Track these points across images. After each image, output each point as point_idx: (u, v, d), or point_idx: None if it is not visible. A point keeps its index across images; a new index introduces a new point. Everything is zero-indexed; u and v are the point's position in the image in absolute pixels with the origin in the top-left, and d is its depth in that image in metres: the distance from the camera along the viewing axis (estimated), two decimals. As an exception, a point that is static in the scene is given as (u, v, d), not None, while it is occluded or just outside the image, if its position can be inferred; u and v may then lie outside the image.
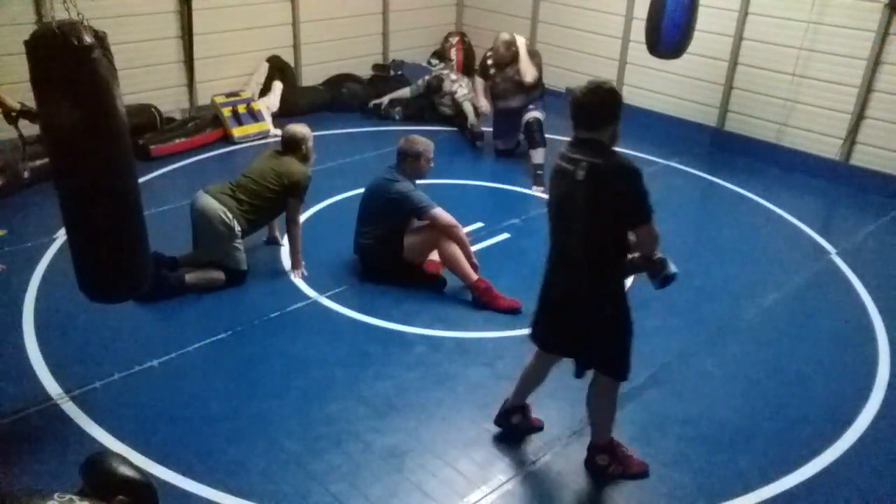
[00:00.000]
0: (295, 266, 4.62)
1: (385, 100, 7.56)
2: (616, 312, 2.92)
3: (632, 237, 2.84)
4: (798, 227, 5.57)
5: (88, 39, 2.79)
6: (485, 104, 6.78)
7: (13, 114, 3.56)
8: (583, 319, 2.94)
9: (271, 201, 4.50)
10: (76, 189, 3.04)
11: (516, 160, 6.65)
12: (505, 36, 6.41)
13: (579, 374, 3.09)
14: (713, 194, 6.32)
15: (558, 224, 2.93)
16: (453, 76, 7.43)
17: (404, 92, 7.57)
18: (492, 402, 3.61)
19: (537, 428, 3.45)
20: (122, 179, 3.08)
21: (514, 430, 3.41)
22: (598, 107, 2.77)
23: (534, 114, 6.40)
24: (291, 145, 4.60)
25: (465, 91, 7.19)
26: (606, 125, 2.78)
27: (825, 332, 4.33)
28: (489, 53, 6.59)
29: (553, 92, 7.20)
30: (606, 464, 3.19)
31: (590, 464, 3.23)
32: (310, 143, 4.66)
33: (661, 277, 2.83)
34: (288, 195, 4.47)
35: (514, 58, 6.40)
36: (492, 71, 6.52)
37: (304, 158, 4.61)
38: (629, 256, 2.88)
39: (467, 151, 6.86)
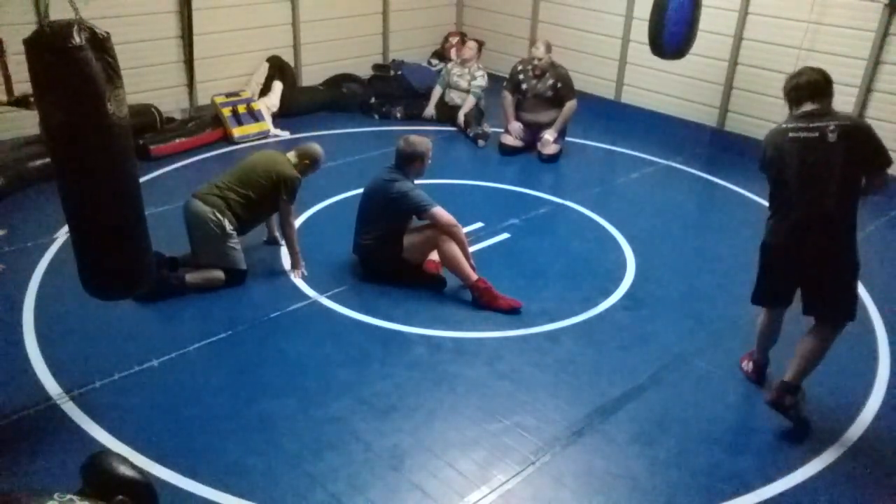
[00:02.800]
0: (295, 266, 4.62)
1: (431, 107, 7.43)
2: (857, 256, 3.34)
3: None
4: (798, 227, 5.56)
5: (77, 40, 2.74)
6: (516, 127, 6.67)
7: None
8: (833, 270, 3.33)
9: (261, 196, 4.44)
10: (66, 187, 3.07)
11: (516, 160, 6.65)
12: (540, 48, 6.51)
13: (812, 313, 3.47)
14: (713, 194, 6.32)
15: (807, 189, 3.26)
16: (477, 64, 7.40)
17: (437, 90, 7.49)
18: (492, 402, 3.62)
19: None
20: (112, 181, 3.05)
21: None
22: (823, 80, 3.36)
23: (552, 148, 6.51)
24: (300, 153, 4.61)
25: (484, 83, 7.19)
26: (832, 95, 3.35)
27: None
28: (519, 67, 6.66)
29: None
30: (791, 404, 3.44)
31: (776, 402, 3.45)
32: (314, 167, 4.67)
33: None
34: (277, 189, 4.42)
35: (546, 70, 6.50)
36: (524, 86, 6.59)
37: (300, 169, 4.57)
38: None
39: (467, 151, 6.86)
